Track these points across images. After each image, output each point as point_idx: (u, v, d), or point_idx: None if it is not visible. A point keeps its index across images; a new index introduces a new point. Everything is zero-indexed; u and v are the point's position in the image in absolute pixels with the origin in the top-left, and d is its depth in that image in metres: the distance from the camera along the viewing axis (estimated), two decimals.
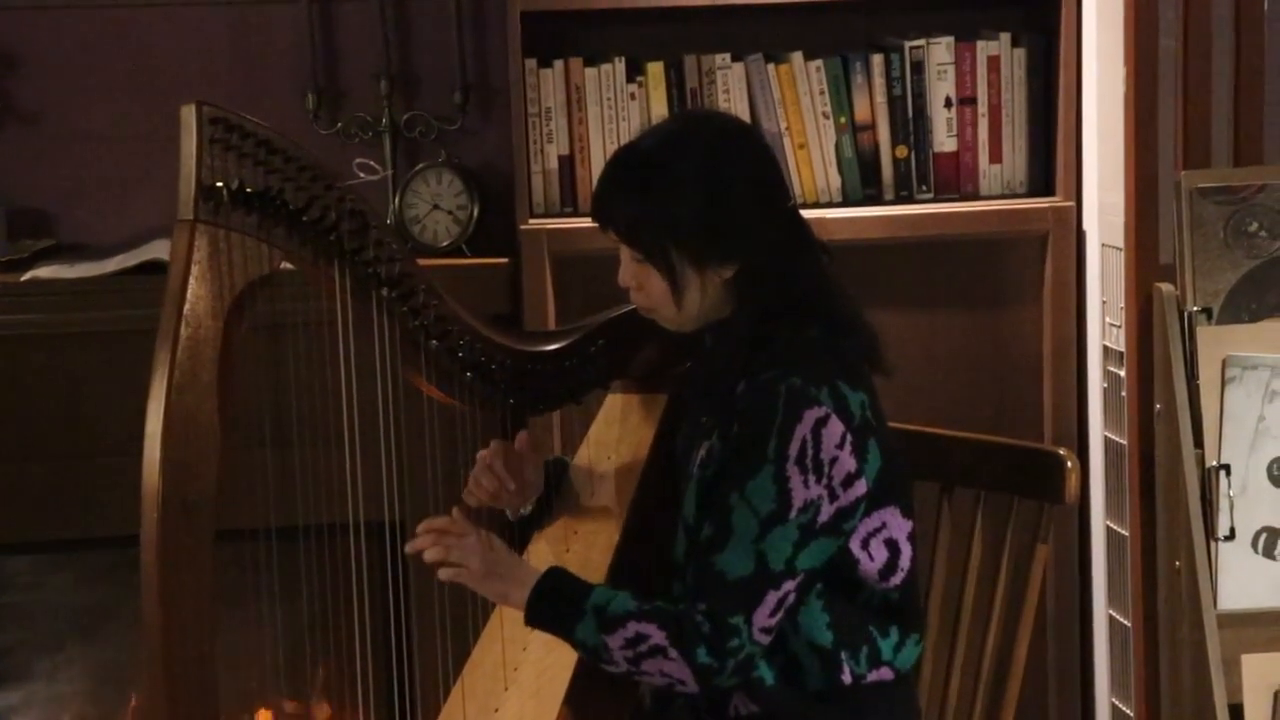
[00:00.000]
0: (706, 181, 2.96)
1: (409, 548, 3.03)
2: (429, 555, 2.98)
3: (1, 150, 4.48)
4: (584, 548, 3.24)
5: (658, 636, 2.87)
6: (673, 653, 2.87)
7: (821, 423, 2.85)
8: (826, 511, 2.86)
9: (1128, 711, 4.26)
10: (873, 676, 3.00)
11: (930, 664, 3.31)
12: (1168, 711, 3.97)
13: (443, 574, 3.00)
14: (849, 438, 2.88)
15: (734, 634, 2.86)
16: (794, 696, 3.01)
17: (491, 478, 3.23)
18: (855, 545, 2.97)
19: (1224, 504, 3.73)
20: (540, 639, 3.11)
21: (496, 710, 3.16)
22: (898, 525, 3.02)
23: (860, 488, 2.90)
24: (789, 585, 2.87)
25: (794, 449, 2.85)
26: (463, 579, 3.01)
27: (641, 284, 3.00)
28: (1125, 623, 4.19)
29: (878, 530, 3.00)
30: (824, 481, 2.85)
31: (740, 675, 2.94)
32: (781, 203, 3.05)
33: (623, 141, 3.28)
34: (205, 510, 2.66)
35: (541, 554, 3.24)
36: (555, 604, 2.97)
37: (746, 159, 3.04)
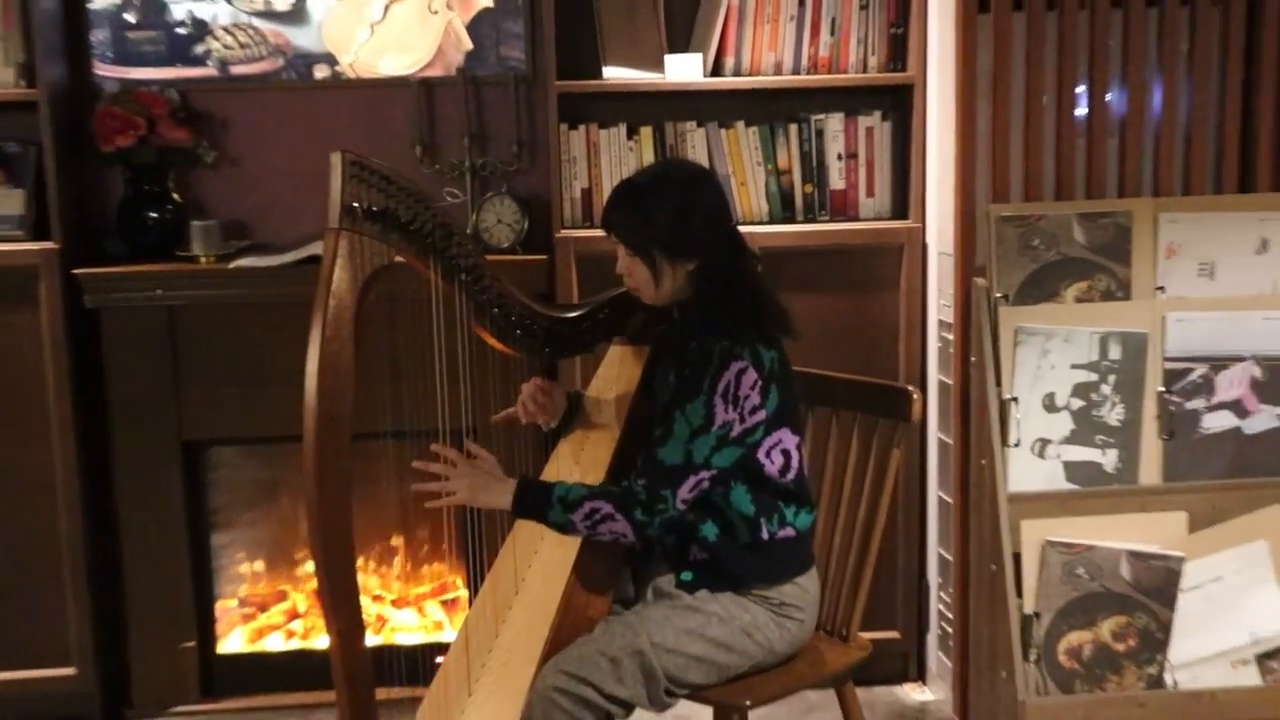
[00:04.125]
0: (677, 206, 3.16)
1: (418, 487, 3.16)
2: (415, 487, 3.16)
3: (219, 182, 4.58)
4: (594, 449, 3.39)
5: (606, 508, 3.05)
6: (618, 516, 3.05)
7: (742, 371, 3.07)
8: (736, 430, 3.08)
9: (948, 557, 4.35)
10: (781, 534, 3.23)
11: (822, 526, 3.49)
12: (974, 557, 4.06)
13: (428, 504, 3.17)
14: (759, 383, 3.09)
15: (662, 501, 3.05)
16: (730, 547, 3.21)
17: (533, 402, 3.46)
18: (761, 454, 3.18)
19: (1013, 423, 3.86)
20: (551, 536, 3.26)
21: (529, 566, 3.34)
22: (790, 440, 3.23)
23: (760, 415, 3.11)
24: (704, 474, 3.07)
25: (720, 386, 3.06)
26: (453, 502, 3.15)
27: (632, 273, 3.21)
28: (949, 500, 4.33)
29: (776, 444, 3.20)
30: (737, 410, 3.08)
31: (665, 529, 3.15)
32: (727, 222, 3.29)
33: (622, 179, 3.40)
34: (344, 420, 2.83)
35: (566, 454, 3.44)
36: (531, 502, 3.10)
37: (705, 191, 3.25)
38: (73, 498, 4.36)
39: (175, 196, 4.48)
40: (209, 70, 4.49)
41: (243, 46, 4.48)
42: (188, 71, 4.48)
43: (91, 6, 4.45)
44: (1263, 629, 3.78)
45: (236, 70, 4.50)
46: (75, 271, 4.26)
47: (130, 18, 4.46)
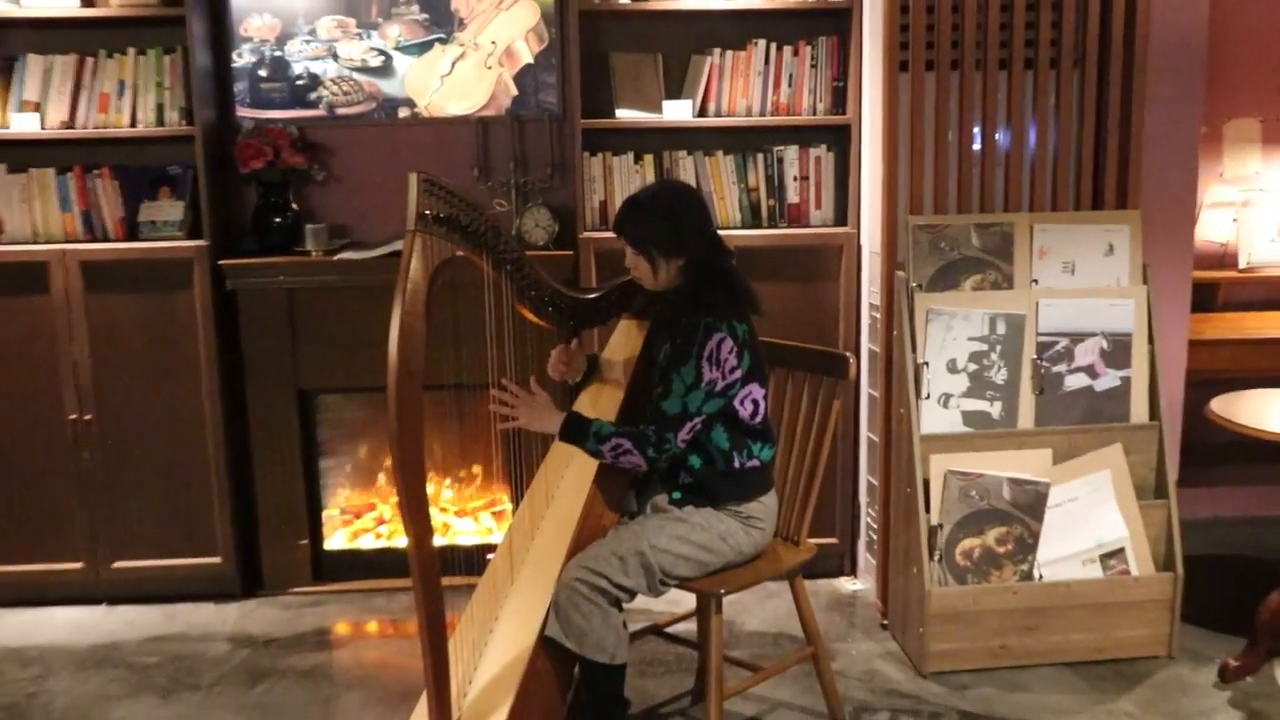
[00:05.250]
0: (670, 215, 3.21)
1: (493, 405, 3.20)
2: (493, 407, 3.20)
3: (326, 195, 4.59)
4: (608, 400, 3.40)
5: (627, 444, 3.12)
6: (635, 451, 3.12)
7: (721, 340, 3.13)
8: (719, 385, 3.14)
9: (874, 482, 4.34)
10: (749, 464, 3.28)
11: (780, 457, 3.48)
12: (894, 482, 4.07)
13: (501, 425, 3.21)
14: (734, 349, 3.14)
15: (667, 442, 3.12)
16: (710, 473, 3.25)
17: (561, 363, 3.46)
18: (736, 403, 3.22)
19: (924, 381, 3.89)
20: (579, 457, 3.28)
21: (558, 488, 3.37)
22: (758, 392, 3.26)
23: (736, 374, 3.16)
24: (697, 420, 3.14)
25: (705, 352, 3.12)
26: (516, 425, 3.20)
27: (636, 266, 3.26)
28: (875, 439, 4.32)
29: (748, 395, 3.24)
30: (719, 370, 3.13)
31: (671, 462, 3.19)
32: (709, 227, 3.29)
33: (629, 194, 3.33)
34: (417, 374, 2.79)
35: (585, 402, 3.44)
36: (573, 431, 3.15)
37: (692, 205, 3.28)
38: (218, 430, 4.42)
39: (294, 206, 4.53)
40: (320, 112, 4.55)
41: (345, 94, 4.54)
42: (304, 113, 4.54)
43: (235, 65, 4.50)
44: (1105, 536, 3.88)
45: (340, 111, 4.55)
46: (220, 262, 4.32)
47: (263, 72, 4.52)
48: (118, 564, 4.48)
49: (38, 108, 4.32)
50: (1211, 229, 4.94)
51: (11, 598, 4.51)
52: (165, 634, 4.27)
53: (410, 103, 4.56)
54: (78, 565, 4.47)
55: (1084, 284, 3.98)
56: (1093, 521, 3.88)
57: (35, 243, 4.37)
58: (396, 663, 4.02)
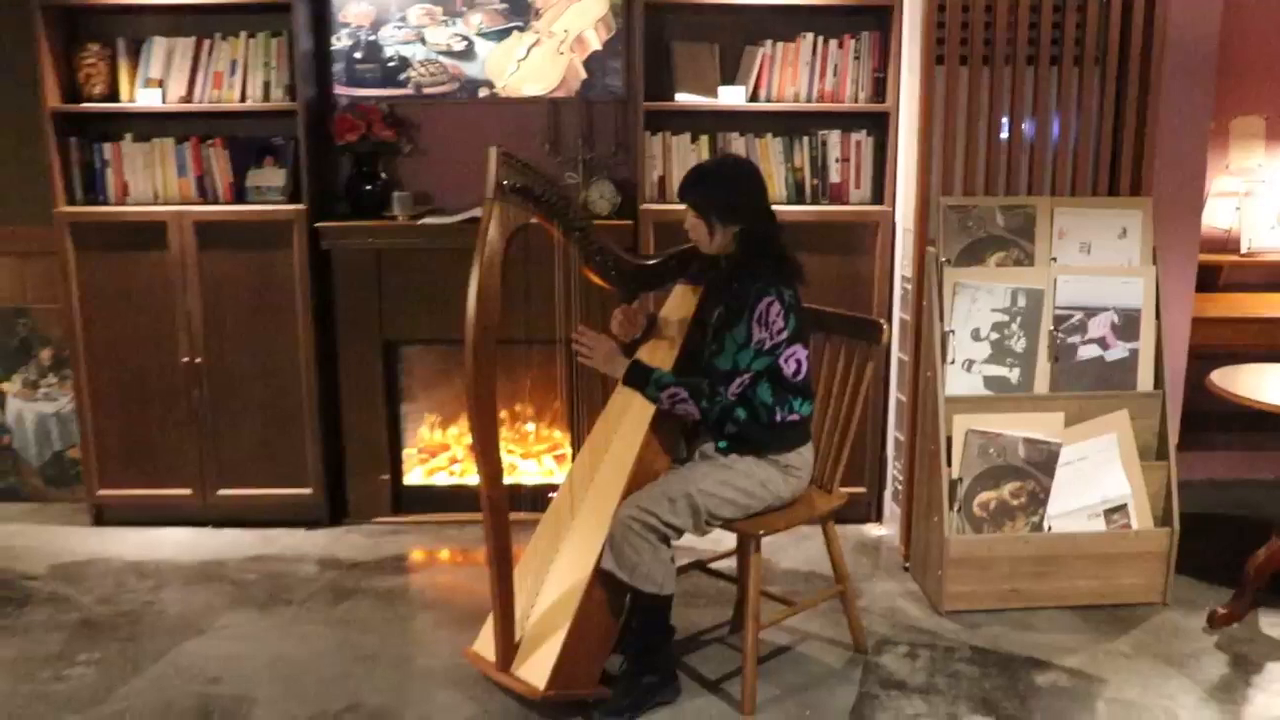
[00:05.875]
0: (728, 186, 3.17)
1: (574, 344, 3.24)
2: (575, 347, 3.23)
3: (412, 166, 4.56)
4: (662, 356, 3.33)
5: (683, 393, 3.11)
6: (690, 401, 3.11)
7: (770, 304, 3.08)
8: (767, 345, 3.09)
9: (901, 439, 4.27)
10: (790, 418, 3.22)
11: (817, 413, 3.40)
12: (919, 439, 4.03)
13: (580, 361, 3.24)
14: (782, 312, 3.09)
15: (718, 394, 3.09)
16: (754, 425, 3.19)
17: (623, 321, 3.41)
18: (781, 362, 3.16)
19: (950, 347, 3.83)
20: (634, 407, 3.26)
21: (615, 434, 3.31)
22: (801, 352, 3.20)
23: (782, 335, 3.10)
24: (746, 376, 3.10)
25: (756, 315, 3.08)
26: (590, 364, 3.22)
27: (694, 229, 3.20)
28: (904, 399, 4.25)
29: (792, 355, 3.18)
30: (767, 330, 3.09)
31: (721, 413, 3.13)
32: (764, 200, 3.21)
33: (688, 168, 3.27)
34: (493, 329, 2.86)
35: (642, 357, 3.34)
36: (637, 376, 3.17)
37: (750, 177, 3.22)
38: (311, 375, 4.42)
39: (383, 175, 4.50)
40: (408, 91, 4.50)
41: (431, 75, 4.49)
42: (394, 91, 4.50)
43: (333, 47, 4.46)
44: (1109, 493, 3.81)
45: (427, 91, 4.50)
46: (316, 225, 4.31)
47: (358, 55, 4.48)
48: (222, 491, 4.50)
49: (161, 84, 4.33)
50: (1217, 216, 4.87)
51: (132, 518, 4.56)
52: (262, 554, 4.29)
53: (489, 84, 4.50)
54: (188, 491, 4.50)
55: (1099, 263, 3.88)
56: (1099, 479, 3.80)
57: (156, 204, 4.38)
58: (466, 587, 4.01)
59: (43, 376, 4.73)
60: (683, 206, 3.22)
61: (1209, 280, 4.78)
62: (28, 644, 3.58)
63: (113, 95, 4.36)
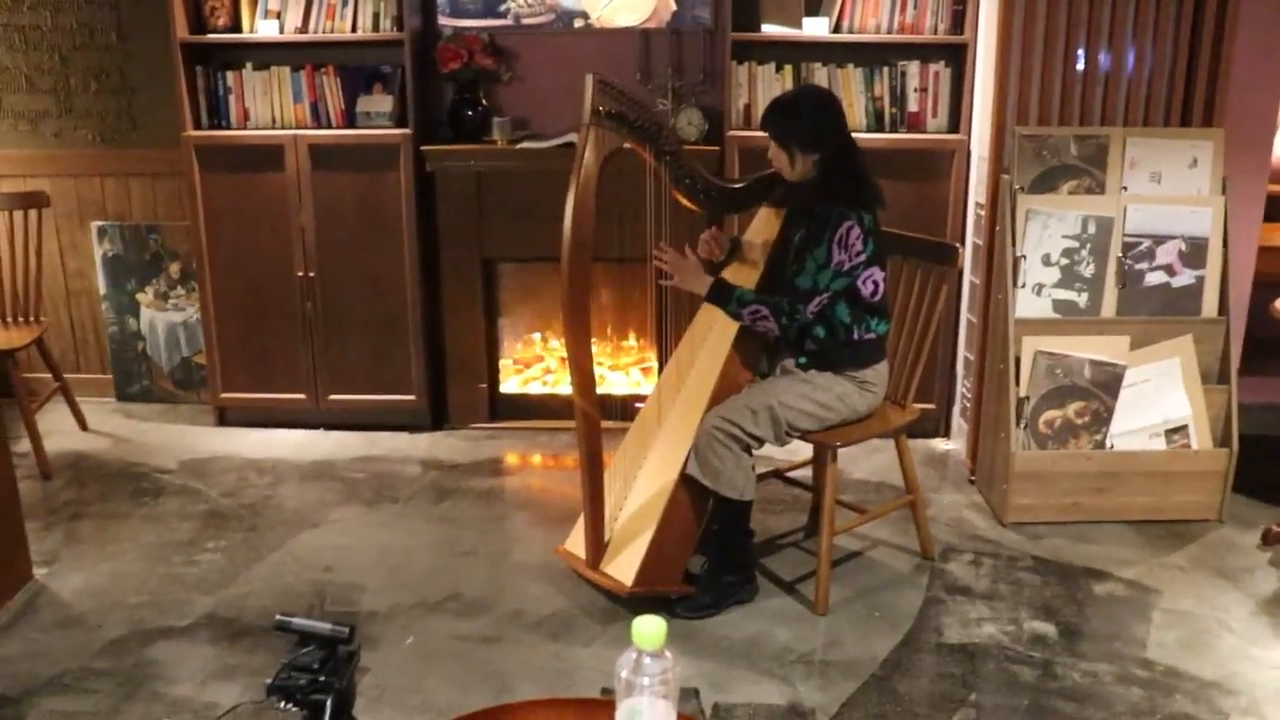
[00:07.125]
0: (810, 115, 3.17)
1: (656, 261, 3.22)
2: (656, 264, 3.22)
3: (511, 93, 4.56)
4: (746, 276, 3.33)
5: (765, 311, 3.12)
6: (770, 318, 3.13)
7: (850, 227, 3.08)
8: (846, 266, 3.10)
9: (971, 358, 4.28)
10: (867, 336, 3.25)
11: (893, 333, 3.41)
12: (989, 359, 4.04)
13: (662, 281, 3.26)
14: (861, 235, 3.09)
15: (799, 312, 3.11)
16: (832, 343, 3.23)
17: (710, 242, 3.44)
18: (859, 283, 3.18)
19: (1021, 272, 3.83)
20: (718, 324, 3.28)
21: (701, 349, 3.36)
22: (879, 275, 3.22)
23: (861, 257, 3.11)
24: (824, 295, 3.11)
25: (836, 237, 3.08)
26: (673, 282, 3.23)
27: (776, 158, 3.22)
28: (975, 320, 4.25)
29: (869, 276, 3.19)
30: (846, 252, 3.09)
31: (800, 330, 3.17)
32: (843, 128, 3.21)
33: (773, 97, 3.30)
34: (587, 247, 2.92)
35: (726, 276, 3.32)
36: (719, 294, 3.17)
37: (829, 107, 3.21)
38: (415, 289, 4.51)
39: (484, 101, 4.53)
40: (508, 21, 4.52)
41: (530, 6, 4.50)
42: (495, 22, 4.52)
43: None
44: (1170, 414, 3.83)
45: (525, 21, 4.52)
46: (421, 148, 4.38)
47: None
48: (333, 396, 4.64)
49: (279, 16, 4.41)
50: None
51: (252, 420, 4.73)
52: (369, 455, 4.44)
53: (584, 15, 4.52)
54: (302, 396, 4.65)
55: (1169, 192, 3.86)
56: (1161, 401, 3.82)
57: (273, 129, 4.48)
58: (558, 490, 4.11)
59: (172, 288, 4.90)
60: (766, 133, 3.23)
61: (1277, 210, 4.66)
62: (163, 530, 3.79)
63: (235, 26, 4.45)
